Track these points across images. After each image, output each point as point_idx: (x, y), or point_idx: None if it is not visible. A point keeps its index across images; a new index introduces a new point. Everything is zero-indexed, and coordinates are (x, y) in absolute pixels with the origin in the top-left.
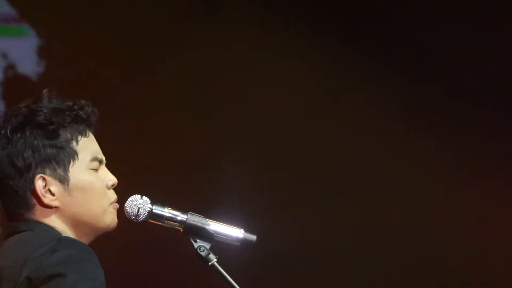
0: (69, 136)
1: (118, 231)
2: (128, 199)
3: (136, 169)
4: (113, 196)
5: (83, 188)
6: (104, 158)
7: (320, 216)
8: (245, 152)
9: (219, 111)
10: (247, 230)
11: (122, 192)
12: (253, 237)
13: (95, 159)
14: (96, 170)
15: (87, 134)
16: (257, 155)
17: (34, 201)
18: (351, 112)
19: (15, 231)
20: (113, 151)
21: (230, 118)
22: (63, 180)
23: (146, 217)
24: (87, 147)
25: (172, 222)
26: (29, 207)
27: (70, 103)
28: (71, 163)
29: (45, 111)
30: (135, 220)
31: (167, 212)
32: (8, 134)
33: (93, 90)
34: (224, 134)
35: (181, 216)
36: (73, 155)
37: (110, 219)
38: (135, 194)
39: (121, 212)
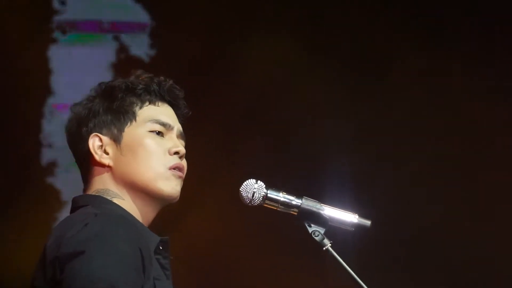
0: (134, 100)
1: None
2: (243, 183)
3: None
4: (172, 161)
5: (134, 148)
6: (173, 125)
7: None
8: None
9: None
10: (361, 215)
11: (237, 178)
12: (368, 222)
13: (156, 121)
14: (158, 133)
15: (158, 104)
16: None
17: (91, 160)
18: None
19: (73, 207)
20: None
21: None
22: (117, 139)
23: (261, 201)
24: (152, 112)
25: (287, 207)
26: (88, 168)
27: (149, 77)
28: (128, 124)
29: (121, 83)
30: (250, 204)
31: (281, 196)
32: (82, 103)
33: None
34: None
35: (295, 201)
36: (132, 117)
37: (164, 184)
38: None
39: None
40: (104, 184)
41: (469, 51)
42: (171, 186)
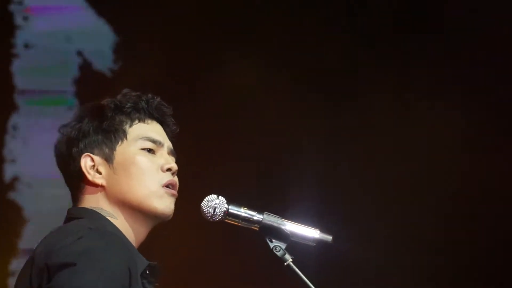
0: (124, 119)
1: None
2: (204, 199)
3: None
4: (165, 178)
5: (126, 166)
6: (163, 142)
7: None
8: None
9: None
10: (323, 230)
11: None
12: (329, 237)
13: (147, 138)
14: (150, 151)
15: (147, 122)
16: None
17: (83, 180)
18: None
19: (68, 217)
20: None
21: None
22: (109, 159)
23: (222, 217)
24: (142, 129)
25: (248, 222)
26: (80, 187)
27: (137, 95)
28: (119, 142)
29: (109, 102)
30: (211, 220)
31: (243, 212)
32: (71, 124)
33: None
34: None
35: (257, 216)
36: (123, 135)
37: (158, 203)
38: (210, 194)
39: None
40: (97, 203)
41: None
42: (165, 204)
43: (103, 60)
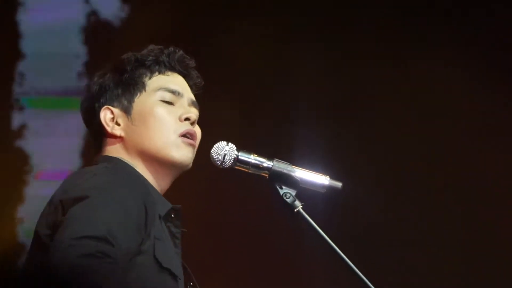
0: (143, 71)
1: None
2: (214, 146)
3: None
4: (183, 127)
5: (144, 117)
6: (183, 93)
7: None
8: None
9: None
10: (332, 177)
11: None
12: (339, 184)
13: (166, 89)
14: (169, 102)
15: (167, 74)
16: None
17: (104, 133)
18: None
19: (91, 164)
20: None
21: None
22: (128, 110)
23: (232, 163)
24: (161, 81)
25: (258, 169)
26: (101, 141)
27: (159, 48)
28: (138, 94)
29: (130, 56)
30: (221, 166)
31: (252, 158)
32: (94, 80)
33: None
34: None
35: (267, 163)
36: (142, 87)
37: (175, 152)
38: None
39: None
40: (117, 154)
41: None
42: (182, 153)
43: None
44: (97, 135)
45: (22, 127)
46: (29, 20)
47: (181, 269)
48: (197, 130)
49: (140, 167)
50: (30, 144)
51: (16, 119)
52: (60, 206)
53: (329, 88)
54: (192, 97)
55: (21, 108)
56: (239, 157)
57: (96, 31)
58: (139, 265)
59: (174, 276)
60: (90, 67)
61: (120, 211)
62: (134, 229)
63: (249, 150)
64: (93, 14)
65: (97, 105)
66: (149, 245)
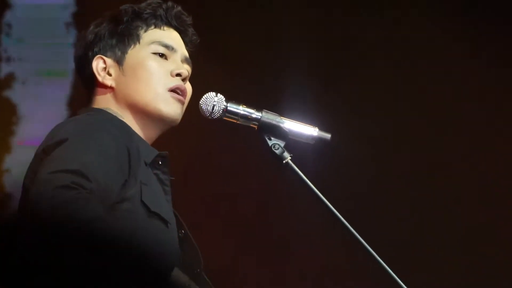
0: (139, 24)
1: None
2: (203, 96)
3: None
4: (173, 82)
5: (136, 69)
6: (176, 48)
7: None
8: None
9: None
10: (322, 128)
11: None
12: (328, 135)
13: (159, 43)
14: (162, 56)
15: (163, 28)
16: None
17: (95, 82)
18: None
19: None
20: None
21: None
22: (120, 61)
23: (221, 114)
24: (156, 34)
25: (247, 120)
26: (92, 89)
27: (158, 2)
28: (132, 46)
29: (127, 8)
30: (209, 117)
31: (241, 109)
32: (90, 29)
33: None
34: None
35: (255, 114)
36: (136, 39)
37: (163, 105)
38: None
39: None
40: (106, 104)
41: None
42: (170, 107)
43: None
44: (88, 84)
45: (10, 76)
46: None
47: (172, 216)
48: (188, 87)
49: (128, 119)
50: (17, 94)
51: (4, 70)
52: (44, 155)
53: (320, 37)
54: (186, 53)
55: (8, 59)
56: (228, 108)
57: None
58: (125, 211)
59: (164, 221)
60: (78, 18)
61: (98, 149)
62: (114, 168)
63: (238, 101)
64: None
65: (90, 53)
66: (136, 191)
